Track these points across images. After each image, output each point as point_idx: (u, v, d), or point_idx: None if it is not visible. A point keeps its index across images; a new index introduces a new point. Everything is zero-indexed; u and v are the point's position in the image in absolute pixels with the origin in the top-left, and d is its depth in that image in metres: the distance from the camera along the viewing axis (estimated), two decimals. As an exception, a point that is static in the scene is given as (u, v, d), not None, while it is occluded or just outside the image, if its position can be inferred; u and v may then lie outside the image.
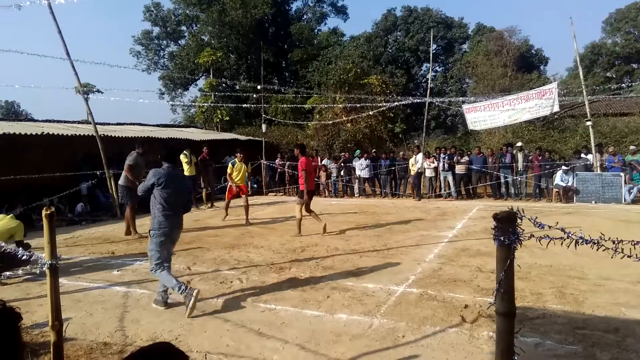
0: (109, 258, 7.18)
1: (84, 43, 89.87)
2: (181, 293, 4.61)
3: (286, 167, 17.22)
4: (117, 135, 13.66)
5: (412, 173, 15.14)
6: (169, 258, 5.01)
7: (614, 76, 40.98)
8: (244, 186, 10.96)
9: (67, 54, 11.23)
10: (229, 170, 10.71)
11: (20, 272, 6.29)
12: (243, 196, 10.75)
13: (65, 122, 16.52)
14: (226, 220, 11.00)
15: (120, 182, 9.24)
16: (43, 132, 11.80)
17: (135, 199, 8.73)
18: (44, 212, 3.28)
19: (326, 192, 17.04)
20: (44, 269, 3.30)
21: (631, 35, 42.44)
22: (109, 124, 17.73)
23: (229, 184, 10.79)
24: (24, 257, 3.63)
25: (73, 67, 11.47)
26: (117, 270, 6.49)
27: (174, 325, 4.38)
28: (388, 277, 5.85)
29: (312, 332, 4.13)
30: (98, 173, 11.58)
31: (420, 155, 15.06)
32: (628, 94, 26.43)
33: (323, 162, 17.17)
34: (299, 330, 4.19)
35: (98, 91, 35.84)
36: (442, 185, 15.48)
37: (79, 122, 17.51)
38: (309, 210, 9.05)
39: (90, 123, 12.57)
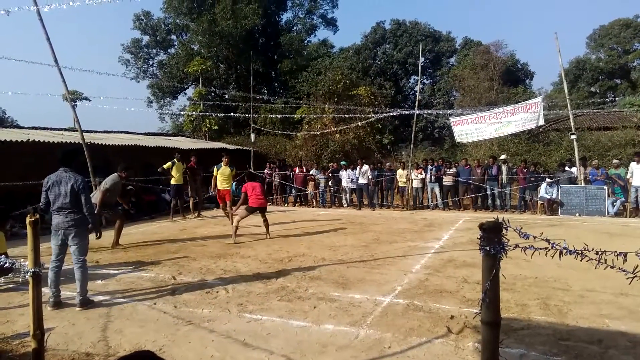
0: (92, 267, 7.07)
1: (72, 50, 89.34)
2: (50, 296, 5.14)
3: (274, 177, 17.23)
4: (104, 144, 13.56)
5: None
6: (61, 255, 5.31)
7: (598, 91, 41.81)
8: (228, 192, 11.26)
9: (55, 60, 11.14)
10: (214, 173, 11.20)
11: (1, 280, 6.18)
12: (228, 203, 11.19)
13: (51, 129, 16.36)
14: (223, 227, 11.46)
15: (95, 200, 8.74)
16: (29, 139, 11.66)
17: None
18: (28, 219, 3.24)
19: (314, 202, 17.05)
20: (26, 277, 3.26)
21: (614, 52, 43.40)
22: (96, 131, 17.60)
23: (215, 191, 11.38)
24: (6, 265, 3.58)
25: (61, 74, 11.37)
26: (101, 280, 6.40)
27: (157, 335, 4.33)
28: (375, 287, 5.85)
29: (298, 343, 4.11)
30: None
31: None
32: (611, 108, 26.93)
33: (311, 172, 17.20)
34: (284, 340, 4.17)
35: (86, 99, 35.73)
36: (429, 196, 15.59)
37: (65, 130, 17.36)
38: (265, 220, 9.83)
39: (77, 131, 12.44)
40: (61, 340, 4.23)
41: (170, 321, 4.72)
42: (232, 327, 4.53)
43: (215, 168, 11.28)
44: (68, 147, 11.48)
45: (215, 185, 11.30)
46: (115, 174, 8.94)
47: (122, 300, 5.46)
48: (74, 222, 5.20)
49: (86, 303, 5.19)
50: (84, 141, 11.70)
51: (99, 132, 17.88)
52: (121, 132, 19.50)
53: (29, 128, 15.82)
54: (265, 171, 17.63)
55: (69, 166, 5.30)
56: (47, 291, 5.07)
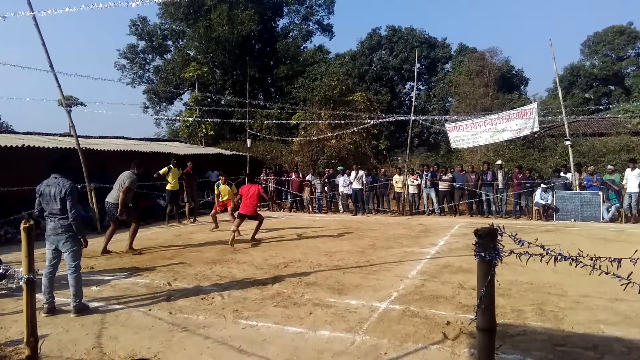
0: (87, 273, 7.04)
1: (68, 55, 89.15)
2: (44, 302, 5.16)
3: (269, 182, 17.23)
4: (99, 149, 13.52)
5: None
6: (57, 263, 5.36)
7: (592, 97, 42.09)
8: (229, 201, 11.91)
9: (51, 65, 11.14)
10: (215, 192, 12.15)
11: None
12: (229, 208, 11.84)
13: (46, 134, 16.31)
14: (214, 231, 11.81)
15: (110, 199, 8.82)
16: (24, 145, 11.62)
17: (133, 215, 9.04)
18: (22, 225, 3.23)
19: (310, 207, 17.05)
20: (20, 283, 3.24)
21: (608, 58, 43.75)
22: (91, 137, 17.56)
23: (216, 201, 12.17)
24: (0, 272, 3.56)
25: (56, 79, 11.38)
26: (96, 286, 6.37)
27: (152, 342, 4.31)
28: (371, 293, 5.84)
29: (294, 349, 4.09)
30: (78, 187, 11.41)
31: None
32: (606, 114, 27.12)
33: (307, 178, 17.20)
34: (280, 347, 4.15)
35: (81, 104, 35.63)
36: (425, 202, 15.61)
37: (60, 135, 17.30)
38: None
39: (72, 136, 12.42)
40: (55, 347, 4.20)
41: (165, 327, 4.69)
42: (228, 333, 4.51)
43: (215, 186, 12.18)
44: (58, 152, 11.47)
45: (218, 196, 12.13)
46: (129, 171, 8.91)
47: (117, 306, 5.44)
48: (64, 228, 5.19)
49: (82, 309, 5.15)
50: (79, 146, 11.68)
51: (95, 137, 17.84)
52: (117, 137, 19.45)
53: (24, 133, 15.77)
54: (261, 176, 17.62)
55: (59, 172, 5.31)
56: (41, 297, 5.04)
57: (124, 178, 8.76)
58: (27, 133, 15.83)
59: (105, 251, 8.85)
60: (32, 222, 3.35)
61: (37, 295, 3.71)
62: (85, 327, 4.75)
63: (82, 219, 12.08)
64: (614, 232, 10.89)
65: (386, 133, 28.90)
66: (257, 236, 10.07)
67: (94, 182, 12.05)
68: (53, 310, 5.16)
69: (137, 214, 9.27)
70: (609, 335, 4.33)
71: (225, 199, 12.00)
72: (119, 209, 8.63)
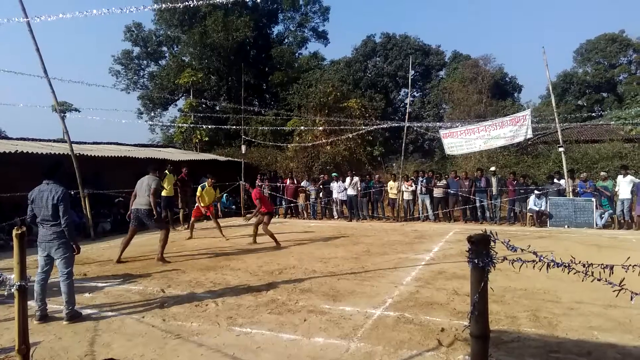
0: (80, 280, 6.99)
1: (61, 60, 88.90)
2: (37, 310, 5.12)
3: (264, 188, 17.20)
4: (93, 155, 13.46)
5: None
6: (47, 270, 5.31)
7: (585, 104, 42.39)
8: (211, 207, 11.87)
9: (45, 72, 11.11)
10: (198, 193, 11.57)
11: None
12: (210, 216, 11.73)
13: (40, 140, 16.22)
14: (194, 238, 11.61)
15: (141, 206, 8.36)
16: (17, 150, 11.55)
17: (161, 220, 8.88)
18: (14, 232, 3.21)
19: (305, 214, 17.03)
20: (12, 290, 3.21)
21: (601, 65, 44.15)
22: (85, 143, 17.48)
23: (197, 205, 11.69)
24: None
25: (50, 85, 11.35)
26: (89, 293, 6.32)
27: (146, 349, 4.28)
28: (365, 300, 5.83)
29: (288, 357, 4.08)
30: (72, 193, 11.35)
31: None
32: (598, 121, 27.31)
33: (302, 184, 17.20)
34: (274, 354, 4.13)
35: (75, 110, 35.52)
36: (420, 208, 15.65)
37: (54, 141, 17.22)
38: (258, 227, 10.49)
39: (66, 142, 12.36)
40: (47, 355, 4.16)
41: (158, 335, 4.66)
42: (222, 340, 4.48)
43: (200, 188, 11.59)
44: (52, 159, 11.42)
45: (199, 200, 11.77)
46: (150, 174, 8.53)
47: (110, 313, 5.40)
48: (57, 235, 5.16)
49: (74, 316, 5.11)
50: (73, 152, 11.63)
51: (89, 143, 17.76)
52: (111, 143, 19.38)
53: (17, 139, 15.67)
54: (256, 182, 17.59)
55: (52, 178, 5.28)
56: (33, 305, 5.00)
57: (149, 182, 8.37)
58: (21, 139, 15.73)
59: (120, 260, 8.53)
60: (24, 228, 3.32)
61: (29, 303, 3.68)
62: (78, 334, 4.71)
63: (75, 225, 12.00)
64: (607, 239, 10.95)
65: (381, 139, 29.00)
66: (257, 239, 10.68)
67: (87, 188, 12.00)
68: (45, 317, 5.12)
69: (167, 222, 9.12)
70: (603, 341, 4.34)
71: (209, 202, 11.72)
72: (154, 211, 8.32)
